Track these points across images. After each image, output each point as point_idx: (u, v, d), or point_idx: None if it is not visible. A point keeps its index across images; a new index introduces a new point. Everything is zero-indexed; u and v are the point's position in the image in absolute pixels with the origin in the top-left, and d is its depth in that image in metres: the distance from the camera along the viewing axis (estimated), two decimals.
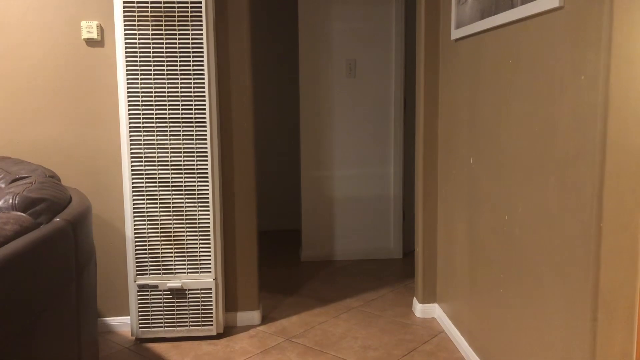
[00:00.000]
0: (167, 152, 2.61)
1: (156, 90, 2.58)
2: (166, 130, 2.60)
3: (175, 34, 2.55)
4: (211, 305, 2.70)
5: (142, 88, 2.57)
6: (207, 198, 2.65)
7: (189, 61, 2.57)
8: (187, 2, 2.52)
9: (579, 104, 1.53)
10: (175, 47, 2.56)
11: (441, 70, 2.83)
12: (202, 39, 2.56)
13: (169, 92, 2.58)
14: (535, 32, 1.78)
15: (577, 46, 1.53)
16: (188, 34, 2.55)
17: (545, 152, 1.74)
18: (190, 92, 2.59)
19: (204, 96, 2.60)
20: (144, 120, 2.59)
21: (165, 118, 2.60)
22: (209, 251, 2.68)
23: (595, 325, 1.48)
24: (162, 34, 2.54)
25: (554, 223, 1.69)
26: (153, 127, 2.60)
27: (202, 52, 2.57)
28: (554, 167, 1.68)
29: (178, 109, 2.60)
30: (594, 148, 1.46)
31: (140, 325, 2.69)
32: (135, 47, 2.54)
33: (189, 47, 2.56)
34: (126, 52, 2.54)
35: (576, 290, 1.57)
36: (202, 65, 2.58)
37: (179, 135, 2.61)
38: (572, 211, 1.58)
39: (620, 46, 1.39)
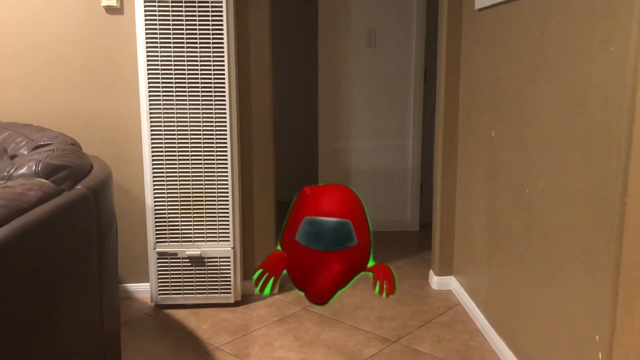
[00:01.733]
0: (187, 121, 2.61)
1: (175, 57, 2.56)
2: (185, 99, 2.60)
3: (194, 1, 2.52)
4: (229, 273, 2.73)
5: (161, 55, 2.56)
6: (226, 167, 2.66)
7: (208, 28, 2.55)
8: None
9: (608, 76, 1.49)
10: (195, 14, 2.53)
11: (464, 41, 2.77)
12: (221, 6, 2.53)
13: (188, 59, 2.57)
14: (563, 2, 1.73)
15: (607, 16, 1.49)
16: (208, 1, 2.53)
17: (570, 125, 1.70)
18: (210, 59, 2.58)
19: (223, 64, 2.58)
20: (163, 88, 2.59)
21: (185, 86, 2.59)
22: (228, 220, 2.70)
23: (616, 301, 1.47)
24: (181, 1, 2.52)
25: (576, 197, 1.67)
26: (172, 95, 2.59)
27: (221, 19, 2.54)
28: (579, 140, 1.65)
29: (197, 77, 2.59)
30: (622, 122, 1.43)
31: (160, 292, 2.74)
32: (155, 14, 2.53)
33: (208, 15, 2.54)
34: (145, 20, 2.53)
35: (597, 265, 1.55)
36: (222, 33, 2.55)
37: (198, 104, 2.61)
38: (596, 185, 1.56)
39: None
